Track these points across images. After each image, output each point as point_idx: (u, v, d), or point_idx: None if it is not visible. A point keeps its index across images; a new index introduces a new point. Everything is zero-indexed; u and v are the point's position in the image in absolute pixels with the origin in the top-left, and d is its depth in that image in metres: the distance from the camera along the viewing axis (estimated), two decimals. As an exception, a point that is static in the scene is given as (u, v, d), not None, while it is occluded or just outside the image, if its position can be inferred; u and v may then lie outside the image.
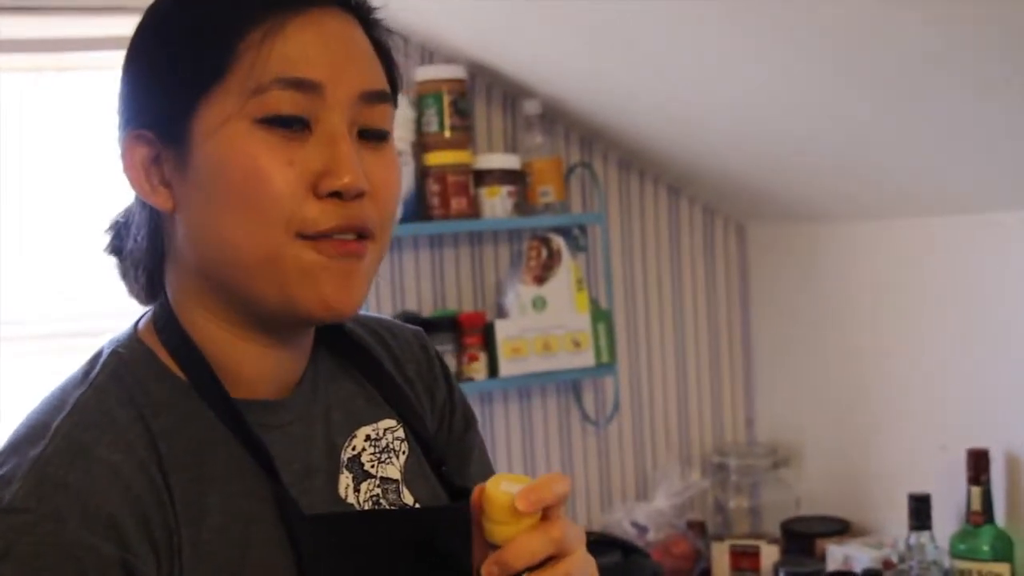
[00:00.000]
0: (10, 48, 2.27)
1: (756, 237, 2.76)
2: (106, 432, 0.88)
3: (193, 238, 0.92)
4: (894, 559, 2.13)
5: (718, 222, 2.77)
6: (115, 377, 0.92)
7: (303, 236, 0.89)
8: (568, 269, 2.48)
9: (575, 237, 2.57)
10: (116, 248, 1.01)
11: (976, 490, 2.02)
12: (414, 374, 1.13)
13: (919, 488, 2.10)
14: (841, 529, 2.40)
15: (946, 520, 2.10)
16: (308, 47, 0.90)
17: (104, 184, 2.32)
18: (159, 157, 0.92)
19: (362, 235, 0.92)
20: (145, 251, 0.98)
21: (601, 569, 1.67)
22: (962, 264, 2.16)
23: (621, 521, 2.52)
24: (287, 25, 0.90)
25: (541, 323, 2.44)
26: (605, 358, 2.52)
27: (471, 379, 2.38)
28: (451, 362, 2.36)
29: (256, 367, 0.97)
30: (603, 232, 2.58)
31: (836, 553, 2.25)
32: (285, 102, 0.89)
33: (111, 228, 1.02)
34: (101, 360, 0.94)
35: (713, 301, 2.77)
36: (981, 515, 2.01)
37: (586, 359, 2.48)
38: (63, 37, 2.29)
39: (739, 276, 2.79)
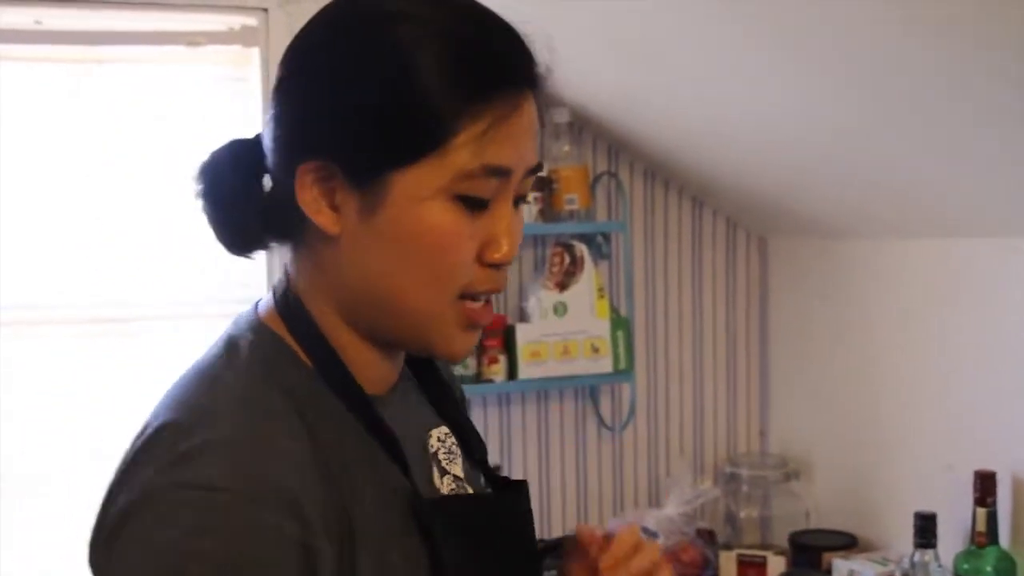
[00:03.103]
0: (52, 40, 2.32)
1: (777, 251, 2.79)
2: (277, 420, 0.95)
3: (355, 268, 0.98)
4: (898, 575, 2.16)
5: (740, 235, 2.80)
6: (263, 364, 0.99)
7: (462, 296, 0.99)
8: (590, 276, 2.52)
9: (598, 245, 2.61)
10: (206, 192, 1.04)
11: (982, 511, 2.04)
12: (447, 377, 1.21)
13: (926, 507, 2.12)
14: (849, 543, 2.42)
15: (951, 539, 2.12)
16: (517, 139, 0.97)
17: (129, 172, 2.38)
18: (332, 184, 0.96)
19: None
20: (246, 210, 1.02)
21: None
22: (977, 287, 2.18)
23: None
24: (510, 116, 0.95)
25: (561, 328, 2.48)
26: (623, 365, 2.56)
27: (491, 380, 2.43)
28: (471, 363, 2.40)
29: (372, 367, 1.04)
30: (626, 241, 2.62)
31: (842, 567, 2.28)
32: (488, 188, 0.96)
33: (200, 174, 1.04)
34: (243, 346, 1.00)
35: (732, 312, 2.81)
36: (986, 536, 2.04)
37: (604, 365, 2.52)
38: (104, 30, 2.34)
39: (759, 289, 2.82)
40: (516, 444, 2.60)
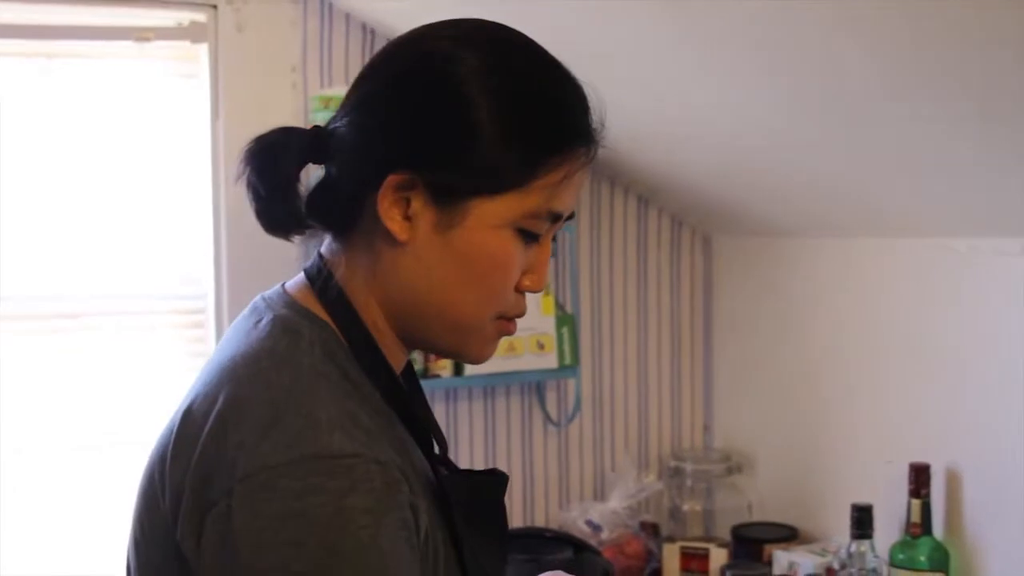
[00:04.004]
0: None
1: (721, 249, 2.83)
2: (359, 402, 1.03)
3: (415, 274, 1.07)
4: (836, 566, 2.20)
5: (685, 233, 2.84)
6: (323, 348, 1.05)
7: (500, 317, 1.11)
8: (536, 273, 2.54)
9: (545, 242, 2.64)
10: (260, 173, 1.08)
11: (916, 503, 2.10)
12: None
13: (864, 499, 2.17)
14: (789, 536, 2.47)
15: (888, 530, 2.17)
16: (576, 190, 1.10)
17: (79, 167, 2.38)
18: (409, 194, 1.05)
19: None
20: (296, 195, 1.08)
21: (552, 565, 1.78)
22: (916, 286, 2.23)
23: (576, 520, 2.58)
24: (579, 170, 1.08)
25: (507, 324, 2.50)
26: (568, 361, 2.58)
27: (437, 376, 2.45)
28: (418, 359, 2.43)
29: (395, 359, 1.12)
30: (572, 238, 2.65)
31: (782, 559, 2.33)
32: (543, 227, 1.08)
33: (251, 156, 1.09)
34: (300, 331, 1.06)
35: (677, 310, 2.84)
36: (920, 527, 2.09)
37: (549, 361, 2.55)
38: (52, 24, 2.34)
39: (703, 286, 2.86)
40: (463, 439, 2.63)
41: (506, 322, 1.11)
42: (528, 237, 1.07)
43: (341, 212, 1.09)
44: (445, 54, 1.06)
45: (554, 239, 1.13)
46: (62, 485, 2.38)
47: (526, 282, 1.10)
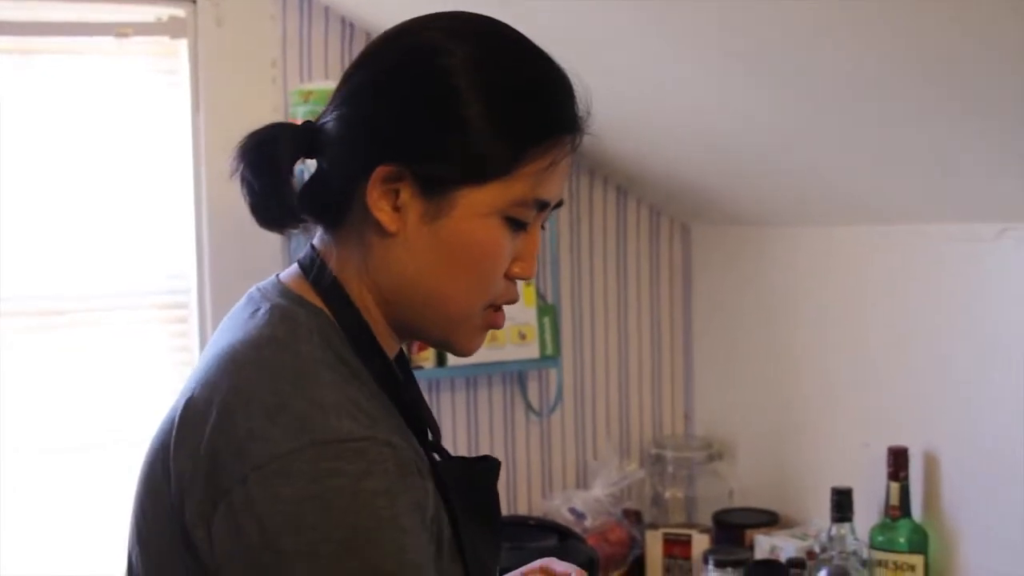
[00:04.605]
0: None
1: (700, 238, 2.85)
2: (358, 387, 1.04)
3: (404, 265, 1.09)
4: (817, 549, 2.23)
5: (664, 222, 2.86)
6: (320, 334, 1.07)
7: (490, 306, 1.12)
8: (517, 264, 2.55)
9: (525, 233, 2.65)
10: (255, 168, 1.09)
11: (895, 486, 2.12)
12: None
13: (844, 483, 2.20)
14: (770, 521, 2.49)
15: (867, 513, 2.20)
16: (562, 178, 1.11)
17: (60, 164, 2.38)
18: (397, 186, 1.06)
19: None
20: (289, 189, 1.09)
21: (538, 552, 1.80)
22: (894, 273, 2.25)
23: (560, 508, 2.60)
24: (564, 158, 1.09)
25: (489, 315, 2.51)
26: (550, 351, 2.60)
27: (420, 367, 2.46)
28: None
29: (388, 348, 1.13)
30: (552, 229, 2.67)
31: (763, 543, 2.35)
32: (530, 215, 1.10)
33: (245, 151, 1.10)
34: (297, 319, 1.07)
35: (656, 299, 2.86)
36: (899, 509, 2.12)
37: (531, 351, 2.56)
38: (30, 20, 2.34)
39: (682, 275, 2.88)
40: (446, 429, 2.64)
41: (494, 313, 1.13)
42: (516, 225, 1.09)
43: (332, 205, 1.10)
44: (432, 47, 1.07)
45: (543, 228, 1.15)
46: (50, 481, 2.38)
47: (516, 269, 1.11)
